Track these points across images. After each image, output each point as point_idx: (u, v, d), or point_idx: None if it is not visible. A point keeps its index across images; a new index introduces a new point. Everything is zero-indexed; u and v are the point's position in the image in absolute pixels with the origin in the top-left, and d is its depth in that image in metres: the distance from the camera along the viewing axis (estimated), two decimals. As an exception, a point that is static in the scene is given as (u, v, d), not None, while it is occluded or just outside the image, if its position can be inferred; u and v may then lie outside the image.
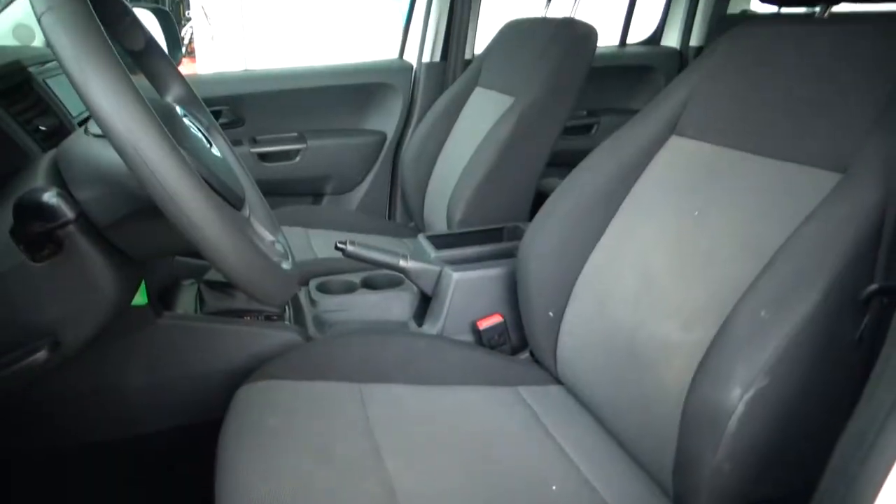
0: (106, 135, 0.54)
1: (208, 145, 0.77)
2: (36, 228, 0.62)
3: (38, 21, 0.55)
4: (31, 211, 0.62)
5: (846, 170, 0.74)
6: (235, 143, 1.87)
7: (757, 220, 0.82)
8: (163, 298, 1.19)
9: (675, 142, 0.99)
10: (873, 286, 0.63)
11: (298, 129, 1.96)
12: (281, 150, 1.93)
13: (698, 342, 0.79)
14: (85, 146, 0.68)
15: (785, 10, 1.02)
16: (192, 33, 4.50)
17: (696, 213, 0.91)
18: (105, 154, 0.63)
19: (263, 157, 1.92)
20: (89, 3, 0.58)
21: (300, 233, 1.69)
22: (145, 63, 0.86)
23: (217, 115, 1.86)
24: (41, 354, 0.66)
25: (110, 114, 0.53)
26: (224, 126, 1.86)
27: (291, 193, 2.03)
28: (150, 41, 0.84)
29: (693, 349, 0.80)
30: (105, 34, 0.55)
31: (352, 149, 2.00)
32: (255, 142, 1.91)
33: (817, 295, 0.65)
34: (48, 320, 0.68)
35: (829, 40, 0.84)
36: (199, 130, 0.79)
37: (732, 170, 0.89)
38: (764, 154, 0.85)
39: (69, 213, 0.62)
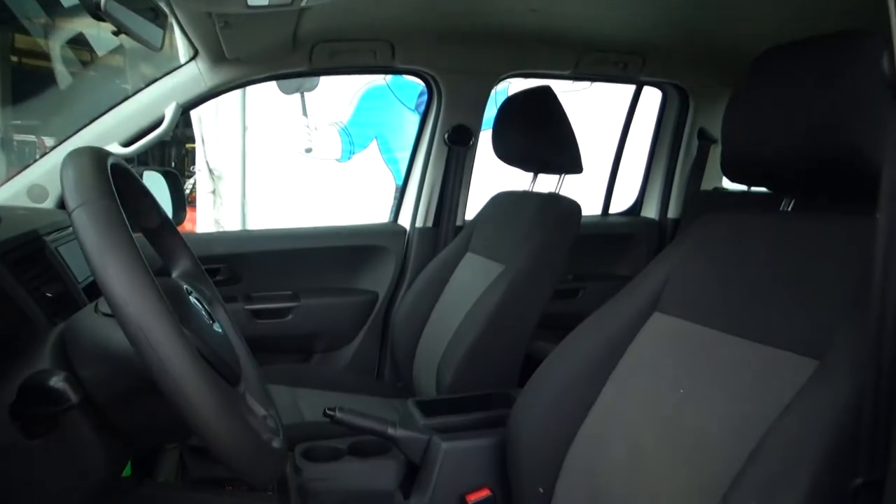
0: (117, 318, 0.57)
1: (210, 321, 0.80)
2: (39, 410, 0.63)
3: (70, 214, 0.60)
4: (36, 393, 0.63)
5: (822, 357, 0.77)
6: (230, 299, 1.91)
7: (740, 402, 0.84)
8: (144, 463, 1.17)
9: (657, 318, 1.03)
10: (858, 480, 0.63)
11: (293, 287, 2.01)
12: (274, 308, 1.97)
13: (692, 528, 0.78)
14: (93, 324, 0.70)
15: (755, 188, 1.10)
16: (194, 183, 4.70)
17: (682, 391, 0.93)
18: (113, 335, 0.66)
19: (257, 314, 1.95)
20: (116, 197, 0.63)
21: (288, 393, 1.68)
22: (158, 239, 0.91)
23: (215, 272, 1.91)
24: None
25: (124, 301, 0.56)
26: (220, 283, 1.91)
27: (282, 350, 2.04)
28: (164, 220, 0.90)
29: (687, 535, 0.79)
30: (128, 228, 0.60)
31: (344, 308, 2.04)
32: (249, 299, 1.95)
33: (804, 488, 0.66)
34: (33, 499, 0.66)
35: (796, 234, 0.90)
36: (202, 304, 0.83)
37: (714, 349, 0.92)
38: (742, 336, 0.89)
39: (73, 398, 0.63)
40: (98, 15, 1.07)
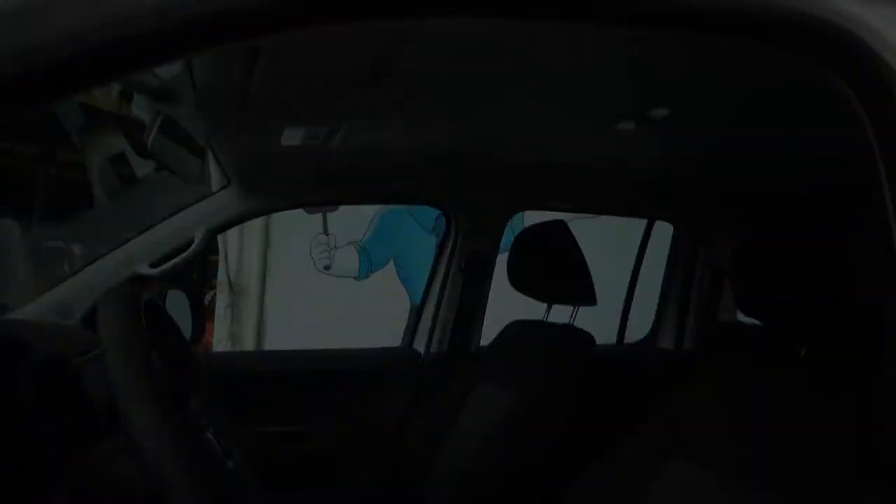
0: (136, 455, 0.59)
1: (223, 456, 0.81)
2: None
3: (102, 355, 0.63)
4: None
5: None
6: (240, 422, 1.89)
7: None
8: None
9: (672, 465, 1.01)
10: None
11: (304, 411, 1.99)
12: (283, 431, 1.94)
13: None
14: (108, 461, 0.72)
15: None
16: (214, 295, 4.77)
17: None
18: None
19: (265, 438, 1.92)
20: (147, 339, 0.66)
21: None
22: (180, 372, 0.94)
23: (226, 393, 1.91)
24: None
25: (145, 441, 0.59)
26: (231, 406, 1.90)
27: (289, 476, 1.98)
28: (188, 354, 0.93)
29: None
30: (155, 370, 0.63)
31: (354, 433, 2.01)
32: (259, 422, 1.93)
33: None
34: None
35: (807, 386, 0.90)
36: (216, 441, 0.84)
37: (730, 499, 0.90)
38: (757, 487, 0.87)
39: None
40: (144, 154, 1.16)
